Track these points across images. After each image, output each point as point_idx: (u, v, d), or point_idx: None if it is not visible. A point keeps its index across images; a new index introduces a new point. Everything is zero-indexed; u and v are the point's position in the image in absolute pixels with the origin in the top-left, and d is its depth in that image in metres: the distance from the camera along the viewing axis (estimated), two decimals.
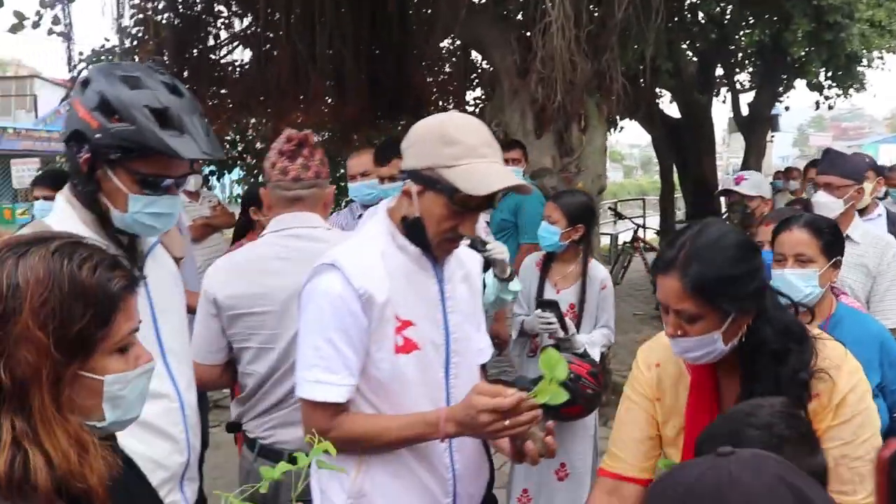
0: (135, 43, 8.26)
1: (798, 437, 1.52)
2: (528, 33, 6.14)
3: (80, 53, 9.13)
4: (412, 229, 1.99)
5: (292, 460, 2.42)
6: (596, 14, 6.24)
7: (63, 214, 1.95)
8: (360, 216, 4.53)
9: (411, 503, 2.07)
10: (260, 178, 12.05)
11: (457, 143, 1.90)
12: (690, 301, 1.75)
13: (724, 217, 4.20)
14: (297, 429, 2.37)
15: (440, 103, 10.07)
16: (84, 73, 1.94)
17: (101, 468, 1.13)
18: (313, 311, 1.97)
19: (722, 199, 4.48)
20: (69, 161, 1.94)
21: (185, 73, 8.09)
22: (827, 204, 3.80)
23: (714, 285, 1.74)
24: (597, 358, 3.68)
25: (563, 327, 3.52)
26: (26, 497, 1.06)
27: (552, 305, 3.56)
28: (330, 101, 9.12)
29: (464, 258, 2.24)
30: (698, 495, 1.01)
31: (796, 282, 2.52)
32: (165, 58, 7.82)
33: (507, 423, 1.83)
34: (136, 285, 1.23)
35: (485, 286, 3.02)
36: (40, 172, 7.31)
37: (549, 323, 3.49)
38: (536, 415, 1.87)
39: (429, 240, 1.99)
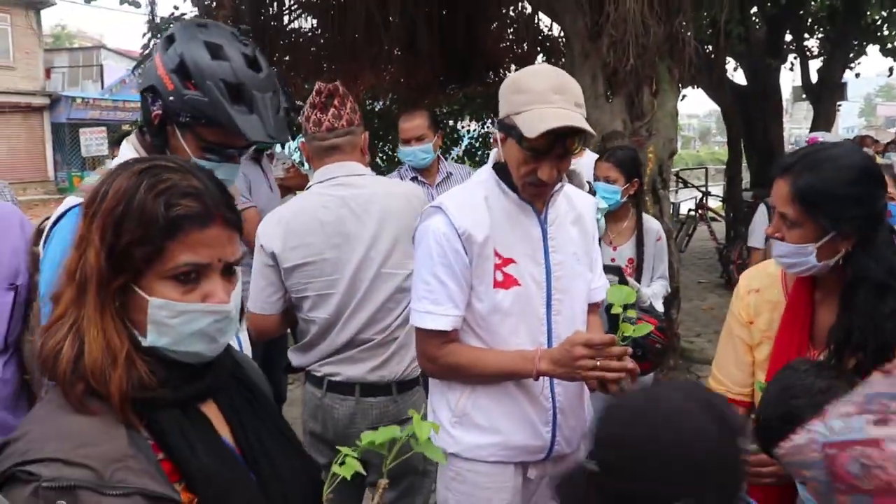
0: (202, 13, 8.41)
1: (834, 381, 1.65)
2: None
3: (150, 21, 9.37)
4: (501, 174, 2.16)
5: (366, 390, 2.66)
6: None
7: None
8: (413, 179, 4.55)
9: (510, 426, 2.22)
10: None
11: (525, 91, 2.03)
12: (793, 207, 1.82)
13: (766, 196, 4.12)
14: (363, 364, 2.62)
15: (506, 70, 10.07)
16: (170, 29, 1.97)
17: (122, 380, 1.15)
18: (423, 249, 2.15)
19: None
20: (142, 110, 1.99)
21: (259, 38, 8.22)
22: None
23: (817, 198, 1.79)
24: (660, 309, 3.75)
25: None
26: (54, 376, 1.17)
27: (614, 270, 3.61)
28: (400, 66, 9.17)
29: (576, 201, 2.36)
30: (631, 408, 1.40)
31: None
32: (238, 25, 7.96)
33: (598, 362, 1.96)
34: (206, 219, 1.21)
35: None
36: (120, 134, 7.56)
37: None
38: (626, 354, 2.00)
39: (515, 184, 2.13)
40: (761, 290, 2.11)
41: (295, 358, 2.76)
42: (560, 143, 2.00)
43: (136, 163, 1.25)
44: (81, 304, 1.18)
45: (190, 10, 8.94)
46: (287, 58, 9.03)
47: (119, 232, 1.17)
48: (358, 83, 8.73)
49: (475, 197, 2.17)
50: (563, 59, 7.02)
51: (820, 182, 1.79)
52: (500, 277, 2.15)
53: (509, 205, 2.17)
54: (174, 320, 1.20)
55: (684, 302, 7.72)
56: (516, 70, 9.45)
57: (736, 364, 2.14)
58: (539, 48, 10.12)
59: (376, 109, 11.95)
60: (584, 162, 4.15)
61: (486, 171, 2.23)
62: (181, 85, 1.85)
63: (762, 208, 4.29)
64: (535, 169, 2.04)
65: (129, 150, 2.02)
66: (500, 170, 2.18)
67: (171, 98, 1.86)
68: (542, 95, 2.00)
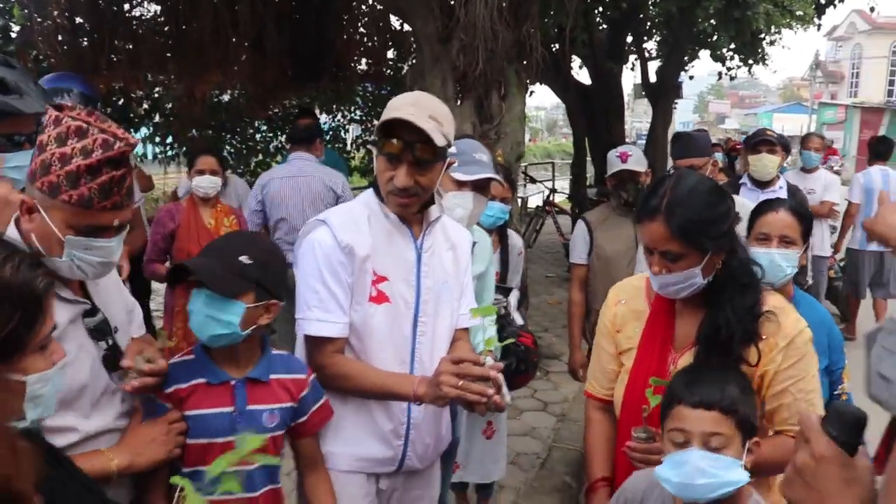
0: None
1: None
2: (451, 1, 6.19)
3: None
4: (377, 191, 2.27)
5: None
6: None
7: None
8: None
9: (363, 437, 2.31)
10: (169, 139, 11.76)
11: (388, 107, 2.16)
12: (675, 242, 1.98)
13: (609, 194, 4.19)
14: None
15: (357, 66, 10.03)
16: None
17: (31, 470, 1.08)
18: (309, 260, 2.20)
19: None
20: None
21: (96, 28, 7.80)
22: None
23: (695, 227, 1.96)
24: (521, 322, 3.88)
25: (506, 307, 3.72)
26: None
27: (506, 291, 3.71)
28: (248, 64, 8.93)
29: (452, 232, 2.47)
30: None
31: (781, 261, 2.65)
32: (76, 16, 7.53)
33: (460, 383, 2.01)
34: (54, 284, 1.20)
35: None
36: None
37: (498, 301, 3.63)
38: (487, 375, 2.03)
39: (384, 197, 2.23)
40: (627, 301, 2.30)
41: None
42: (409, 150, 2.11)
43: None
44: None
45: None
46: (130, 46, 8.59)
47: None
48: (203, 80, 8.46)
49: (358, 215, 2.26)
50: (414, 59, 7.04)
51: (693, 213, 1.97)
52: (374, 293, 2.23)
53: (389, 226, 2.27)
54: (45, 389, 1.19)
55: (532, 297, 7.92)
56: (366, 64, 9.46)
57: (601, 371, 2.36)
58: (390, 44, 10.14)
59: (223, 102, 11.64)
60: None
61: (369, 192, 2.32)
62: None
63: (581, 225, 4.26)
64: (393, 176, 2.14)
65: None
66: (378, 189, 2.27)
67: None
68: (399, 108, 2.12)
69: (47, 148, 1.68)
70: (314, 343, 2.23)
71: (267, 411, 2.06)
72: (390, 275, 2.26)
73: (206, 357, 2.06)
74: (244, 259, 1.96)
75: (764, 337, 2.02)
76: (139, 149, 12.33)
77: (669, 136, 14.58)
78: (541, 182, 14.96)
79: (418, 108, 2.12)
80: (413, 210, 2.26)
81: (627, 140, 17.21)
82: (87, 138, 1.67)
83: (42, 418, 1.23)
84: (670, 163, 11.35)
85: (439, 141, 2.12)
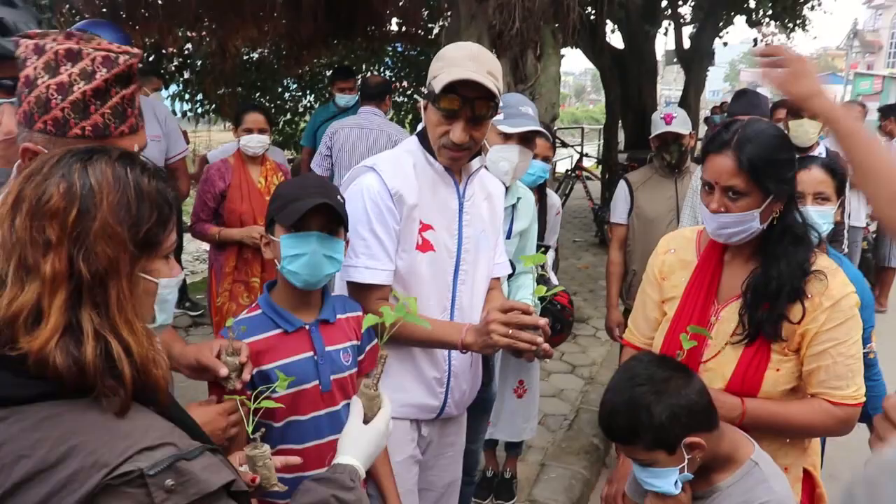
0: None
1: (675, 371, 1.85)
2: None
3: None
4: (422, 140, 2.27)
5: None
6: None
7: None
8: None
9: (410, 385, 2.36)
10: (199, 96, 11.76)
11: (442, 59, 2.14)
12: (741, 177, 1.96)
13: (653, 157, 4.19)
14: None
15: (388, 24, 9.94)
16: None
17: (166, 361, 1.18)
18: (357, 207, 2.18)
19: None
20: None
21: None
22: None
23: (763, 164, 1.95)
24: (556, 282, 3.88)
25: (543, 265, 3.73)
26: (113, 385, 1.09)
27: (543, 250, 3.72)
28: (283, 19, 8.87)
29: (488, 183, 2.49)
30: None
31: (817, 218, 2.60)
32: None
33: (510, 331, 2.01)
34: (181, 199, 1.27)
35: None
36: None
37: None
38: (537, 324, 2.04)
39: (433, 149, 2.23)
40: (677, 250, 2.29)
41: None
42: (468, 106, 2.11)
43: (99, 152, 1.19)
44: (98, 303, 1.11)
45: None
46: (161, 1, 8.57)
47: (137, 219, 1.16)
48: (238, 35, 8.42)
49: (405, 162, 2.26)
50: (449, 18, 6.97)
51: (763, 151, 1.96)
52: (420, 241, 2.25)
53: (433, 174, 2.27)
54: (171, 295, 1.27)
55: (560, 261, 7.93)
56: (398, 23, 9.43)
57: (644, 318, 2.36)
58: (424, 3, 10.04)
59: (253, 60, 11.62)
60: None
61: (414, 140, 2.32)
62: None
63: (622, 185, 4.30)
64: (448, 131, 2.15)
65: None
66: (424, 139, 2.27)
67: None
68: (456, 61, 2.10)
69: (37, 81, 1.47)
70: (360, 290, 2.24)
71: (341, 350, 2.09)
72: (435, 223, 2.27)
73: (275, 308, 2.05)
74: (340, 198, 2.02)
75: (809, 296, 2.00)
76: (168, 105, 12.37)
77: (701, 104, 14.42)
78: (572, 146, 14.79)
79: (478, 63, 2.11)
80: (463, 163, 2.28)
81: (658, 106, 16.98)
82: (83, 60, 1.48)
83: (165, 325, 1.30)
84: (701, 132, 11.19)
85: (497, 98, 2.13)
